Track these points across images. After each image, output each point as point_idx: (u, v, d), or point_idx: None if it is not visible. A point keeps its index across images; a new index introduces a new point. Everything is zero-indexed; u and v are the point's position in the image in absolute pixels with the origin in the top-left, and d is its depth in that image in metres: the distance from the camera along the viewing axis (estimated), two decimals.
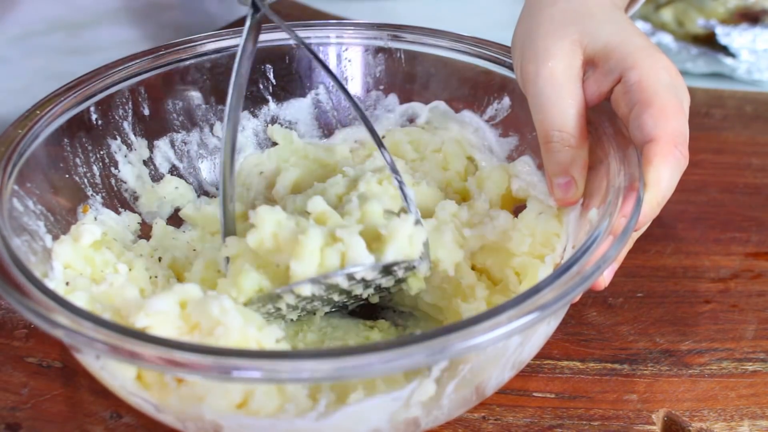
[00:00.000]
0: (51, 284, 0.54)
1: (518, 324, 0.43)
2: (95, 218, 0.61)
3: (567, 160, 0.55)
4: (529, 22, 0.58)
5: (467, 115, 0.69)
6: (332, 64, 0.70)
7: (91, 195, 0.63)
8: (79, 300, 0.53)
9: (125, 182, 0.65)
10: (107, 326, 0.43)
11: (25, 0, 1.14)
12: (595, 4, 0.58)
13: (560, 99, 0.55)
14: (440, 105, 0.70)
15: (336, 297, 0.56)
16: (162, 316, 0.49)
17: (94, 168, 0.63)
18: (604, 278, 0.54)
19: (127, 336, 0.43)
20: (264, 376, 0.41)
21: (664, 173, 0.52)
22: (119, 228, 0.62)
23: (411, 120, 0.71)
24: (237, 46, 0.68)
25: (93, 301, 0.53)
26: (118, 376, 0.48)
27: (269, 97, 0.71)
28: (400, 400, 0.47)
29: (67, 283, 0.55)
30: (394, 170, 0.57)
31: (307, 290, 0.52)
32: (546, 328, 0.52)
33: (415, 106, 0.71)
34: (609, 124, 0.56)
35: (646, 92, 0.52)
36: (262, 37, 0.69)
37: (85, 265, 0.57)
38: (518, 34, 0.59)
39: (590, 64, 0.56)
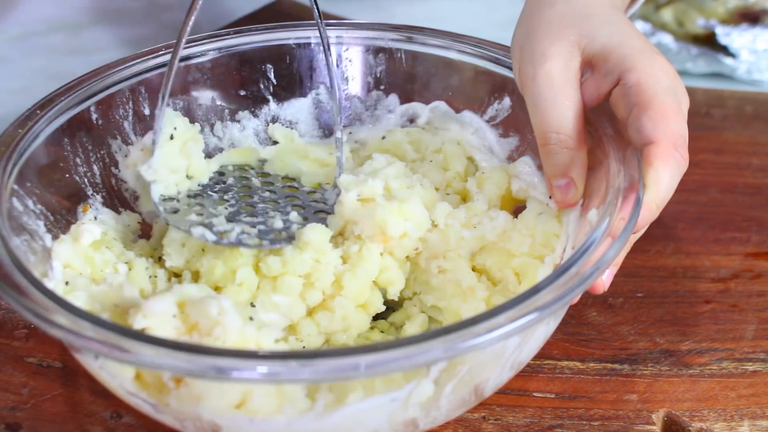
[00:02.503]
0: (50, 284, 0.54)
1: (517, 325, 0.43)
2: (95, 218, 0.61)
3: (565, 162, 0.55)
4: (527, 24, 0.58)
5: (468, 115, 0.69)
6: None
7: (92, 195, 0.63)
8: (78, 300, 0.53)
9: (125, 182, 0.65)
10: (105, 326, 0.43)
11: (25, 0, 1.14)
12: (594, 6, 0.58)
13: (558, 101, 0.55)
14: (441, 105, 0.70)
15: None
16: (160, 317, 0.49)
17: (95, 168, 0.63)
18: (604, 282, 0.54)
19: (126, 336, 0.42)
20: (263, 377, 0.41)
21: (664, 175, 0.51)
22: (119, 227, 0.62)
23: (411, 120, 0.71)
24: (237, 45, 0.69)
25: (92, 300, 0.53)
26: (117, 375, 0.48)
27: (270, 97, 0.71)
28: (399, 400, 0.47)
29: (66, 283, 0.55)
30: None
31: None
32: (545, 329, 0.52)
33: (416, 107, 0.71)
34: (609, 125, 0.56)
35: (645, 94, 0.52)
36: (262, 37, 0.70)
37: (85, 264, 0.57)
38: (517, 36, 0.59)
39: (588, 65, 0.56)
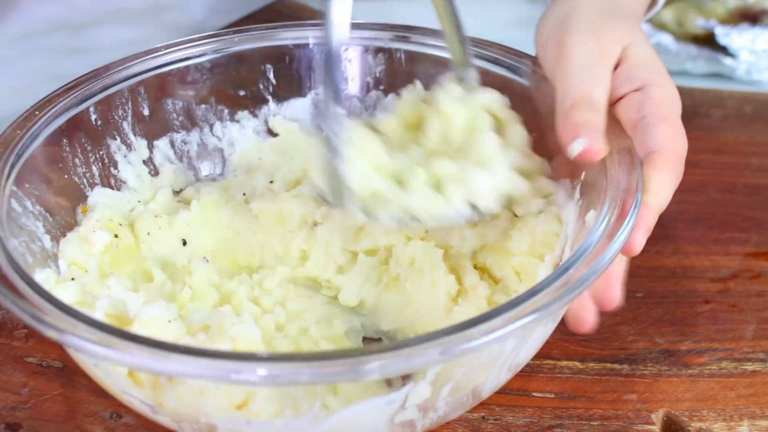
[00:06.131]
0: (41, 275, 0.54)
1: (514, 327, 0.43)
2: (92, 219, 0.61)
3: (594, 120, 0.54)
4: (576, 2, 0.59)
5: None
6: None
7: (91, 195, 0.63)
8: (70, 289, 0.53)
9: (125, 182, 0.65)
10: (103, 329, 0.43)
11: (25, 0, 1.14)
12: (638, 17, 0.61)
13: (595, 77, 0.55)
14: None
15: None
16: (158, 324, 0.49)
17: (94, 168, 0.63)
18: (613, 294, 0.52)
19: (123, 339, 0.42)
20: (261, 379, 0.41)
21: (666, 182, 0.53)
22: (120, 205, 0.63)
23: None
24: (236, 45, 0.69)
25: (83, 293, 0.53)
26: (111, 373, 0.48)
27: (269, 97, 0.71)
28: (396, 402, 0.47)
29: (72, 279, 0.55)
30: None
31: None
32: (543, 331, 0.52)
33: None
34: (608, 127, 0.56)
35: (664, 109, 0.55)
36: (262, 37, 0.70)
37: (89, 259, 0.58)
38: (561, 8, 0.60)
39: (618, 62, 0.57)
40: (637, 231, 0.50)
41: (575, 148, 0.53)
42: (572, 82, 0.56)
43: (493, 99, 0.58)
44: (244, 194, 0.66)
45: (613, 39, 0.57)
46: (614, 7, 0.60)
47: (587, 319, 0.52)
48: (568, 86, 0.56)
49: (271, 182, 0.67)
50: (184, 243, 0.62)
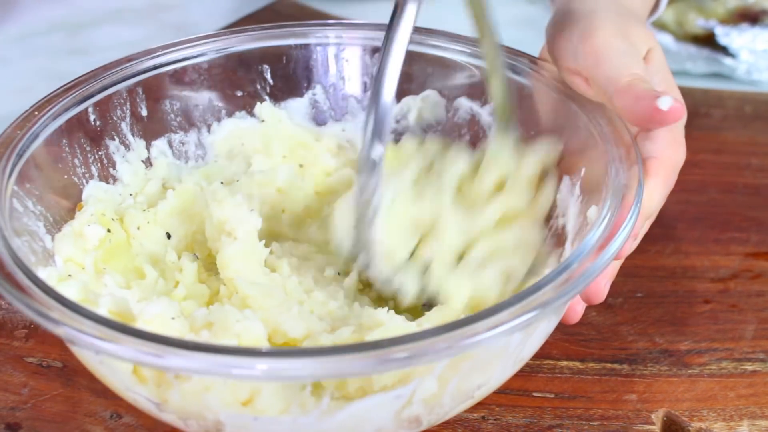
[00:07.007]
0: (43, 273, 0.54)
1: (521, 320, 0.43)
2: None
3: (650, 89, 0.53)
4: (591, 3, 0.60)
5: (462, 102, 0.68)
6: (330, 64, 0.70)
7: (84, 189, 0.62)
8: (72, 287, 0.53)
9: (120, 180, 0.65)
10: (109, 325, 0.43)
11: (26, 0, 1.14)
12: (642, 18, 0.63)
13: (637, 63, 0.55)
14: (432, 95, 0.69)
15: None
16: (160, 321, 0.49)
17: (93, 169, 0.63)
18: (602, 289, 0.54)
19: (130, 335, 0.42)
20: (263, 374, 0.41)
21: (659, 189, 0.54)
22: (112, 199, 0.63)
23: (398, 121, 0.71)
24: (233, 46, 0.69)
25: (86, 290, 0.53)
26: (117, 371, 0.48)
27: (266, 97, 0.71)
28: (403, 397, 0.47)
29: (69, 275, 0.55)
30: None
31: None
32: (547, 325, 0.52)
33: (407, 100, 0.70)
34: (606, 123, 0.56)
35: None
36: (259, 37, 0.70)
37: (85, 256, 0.58)
38: (577, 7, 0.60)
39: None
40: None
41: (664, 103, 0.52)
42: (619, 63, 0.55)
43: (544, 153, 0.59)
44: (222, 183, 0.65)
45: (639, 39, 0.58)
46: (626, 10, 0.61)
47: (578, 311, 0.56)
48: (617, 66, 0.55)
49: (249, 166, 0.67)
50: (169, 236, 0.62)
